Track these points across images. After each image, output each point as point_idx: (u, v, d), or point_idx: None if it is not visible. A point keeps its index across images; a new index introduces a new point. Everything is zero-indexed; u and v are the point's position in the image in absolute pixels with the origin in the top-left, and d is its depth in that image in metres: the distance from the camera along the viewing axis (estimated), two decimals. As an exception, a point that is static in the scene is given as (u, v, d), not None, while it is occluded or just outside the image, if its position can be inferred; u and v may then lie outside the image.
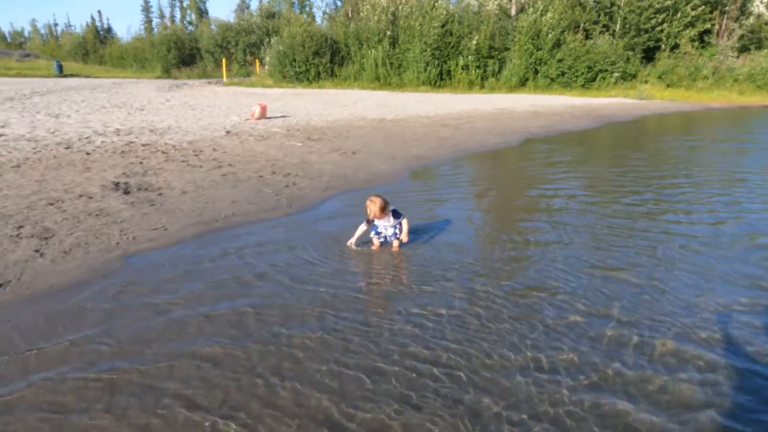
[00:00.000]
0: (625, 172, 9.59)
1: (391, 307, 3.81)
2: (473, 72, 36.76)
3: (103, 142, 10.49)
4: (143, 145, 10.35)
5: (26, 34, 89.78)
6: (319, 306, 3.78)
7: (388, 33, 37.32)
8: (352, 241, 4.93)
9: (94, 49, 62.78)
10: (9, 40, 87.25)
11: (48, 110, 16.09)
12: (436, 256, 4.85)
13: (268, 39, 43.92)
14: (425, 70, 36.44)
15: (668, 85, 36.68)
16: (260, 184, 7.46)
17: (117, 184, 7.02)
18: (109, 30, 73.37)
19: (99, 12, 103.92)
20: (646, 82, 37.42)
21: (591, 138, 15.92)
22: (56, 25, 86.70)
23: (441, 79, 37.26)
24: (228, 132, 12.63)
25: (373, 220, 4.83)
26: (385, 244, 5.06)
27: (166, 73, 51.96)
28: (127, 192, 6.72)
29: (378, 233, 4.99)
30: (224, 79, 43.10)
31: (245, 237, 5.19)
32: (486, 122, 17.22)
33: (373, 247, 5.01)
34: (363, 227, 4.92)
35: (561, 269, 4.54)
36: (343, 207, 6.48)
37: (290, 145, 11.10)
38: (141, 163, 8.59)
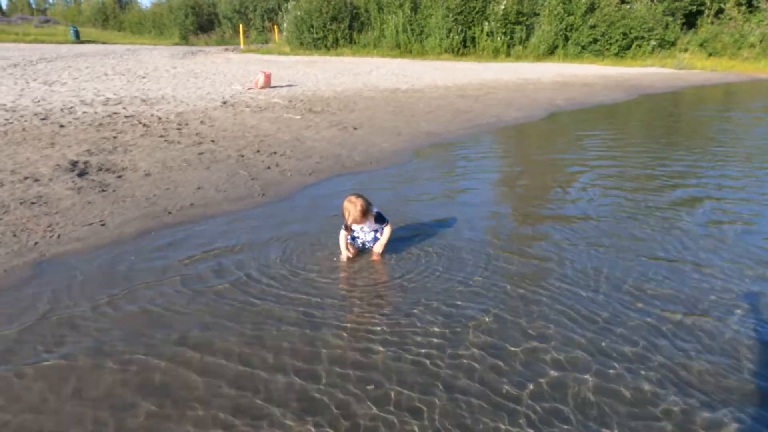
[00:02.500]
0: (660, 155, 8.33)
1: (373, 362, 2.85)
2: (499, 39, 34.69)
3: (84, 113, 9.68)
4: (126, 116, 9.49)
5: (51, 0, 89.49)
6: (262, 347, 2.86)
7: (409, -3, 35.37)
8: (344, 254, 3.97)
9: (114, 15, 61.99)
10: (33, 5, 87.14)
11: (46, 78, 15.39)
12: (429, 268, 3.86)
13: (286, 4, 42.37)
14: (448, 37, 34.55)
15: (710, 54, 34.03)
16: (238, 166, 6.52)
17: (75, 164, 6.17)
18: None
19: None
20: (686, 50, 34.79)
21: (623, 112, 14.45)
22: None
23: (464, 46, 35.33)
24: (224, 102, 11.69)
25: (351, 226, 3.87)
26: (364, 250, 4.09)
27: (184, 40, 50.98)
28: (82, 174, 5.87)
29: (354, 239, 4.02)
30: (241, 46, 41.97)
31: (194, 237, 4.29)
32: (508, 93, 15.84)
33: (349, 254, 4.06)
34: (343, 234, 3.95)
35: (603, 296, 3.52)
36: (324, 197, 5.51)
37: (287, 118, 10.10)
38: (115, 137, 7.74)
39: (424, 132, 9.44)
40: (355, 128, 9.40)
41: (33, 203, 4.83)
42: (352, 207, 3.69)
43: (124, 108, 10.44)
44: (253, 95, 13.21)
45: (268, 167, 6.53)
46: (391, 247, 4.03)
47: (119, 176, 5.89)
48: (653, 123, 12.38)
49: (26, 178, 5.56)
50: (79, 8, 71.06)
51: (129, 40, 48.86)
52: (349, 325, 3.06)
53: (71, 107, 10.22)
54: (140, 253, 3.95)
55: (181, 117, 9.68)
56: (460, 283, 3.60)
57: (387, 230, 3.95)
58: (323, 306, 3.26)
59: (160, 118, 9.48)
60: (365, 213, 3.72)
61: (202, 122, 9.24)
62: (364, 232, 3.95)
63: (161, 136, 7.97)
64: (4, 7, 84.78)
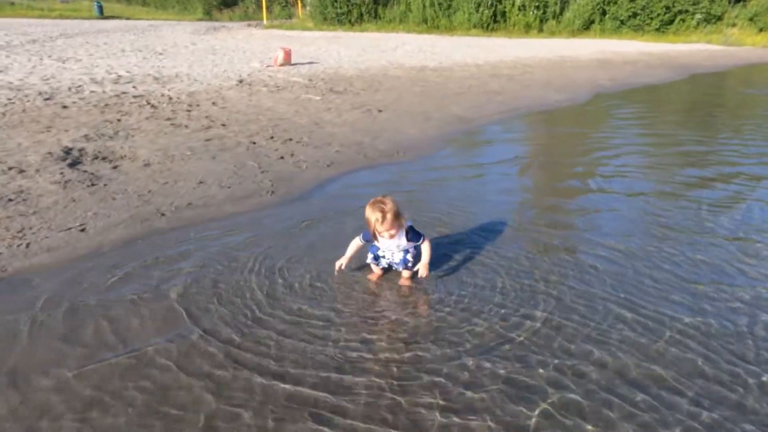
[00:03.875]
0: (725, 145, 7.28)
1: None
2: (531, 13, 32.97)
3: (92, 92, 9.07)
4: (135, 96, 8.85)
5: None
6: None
7: (437, -30, 33.81)
8: (343, 261, 3.23)
9: (138, -10, 61.48)
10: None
11: (61, 54, 14.88)
12: (474, 299, 3.09)
13: (310, -23, 41.12)
14: (477, 11, 32.97)
15: (761, 29, 31.64)
16: (248, 155, 5.79)
17: (68, 152, 5.54)
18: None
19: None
20: (734, 25, 32.45)
21: (675, 94, 13.19)
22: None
23: (494, 21, 33.70)
24: (240, 81, 10.94)
25: (378, 237, 3.11)
26: (390, 271, 3.34)
27: (207, 15, 50.28)
28: (74, 163, 5.23)
29: (377, 257, 3.26)
30: (264, 22, 41.10)
31: (189, 248, 3.58)
32: (545, 72, 14.68)
33: (370, 277, 3.30)
34: (358, 242, 3.20)
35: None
36: (343, 196, 4.74)
37: (306, 99, 9.31)
38: (119, 120, 7.10)
39: (455, 116, 8.54)
40: (379, 111, 8.56)
41: (10, 200, 4.20)
42: (379, 211, 2.91)
43: (134, 87, 9.80)
44: (272, 73, 12.43)
45: (281, 157, 5.78)
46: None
47: (115, 166, 5.23)
48: (711, 106, 11.17)
49: (11, 168, 4.94)
50: (104, -17, 70.76)
51: (152, 15, 48.35)
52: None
53: (80, 86, 9.62)
54: (119, 270, 3.26)
55: (193, 97, 8.98)
56: (515, 321, 2.82)
57: (426, 248, 3.17)
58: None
59: (170, 99, 8.81)
60: (397, 221, 2.95)
61: (214, 103, 8.53)
62: (391, 251, 3.18)
63: (168, 119, 7.28)
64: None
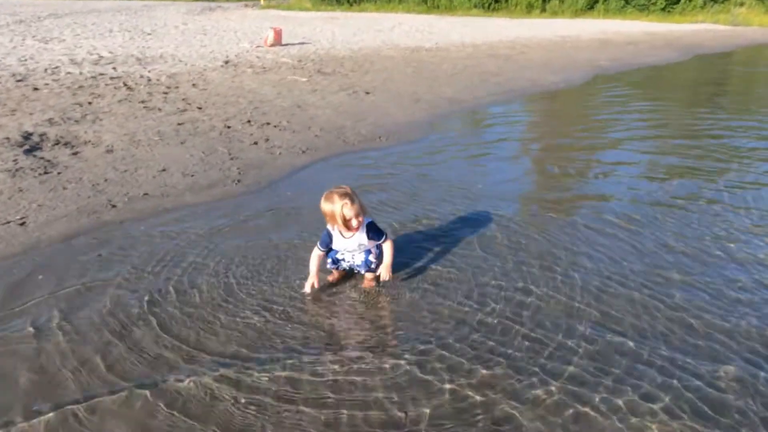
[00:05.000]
0: (728, 127, 6.91)
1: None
2: (534, -8, 32.16)
3: (68, 74, 8.70)
4: (112, 78, 8.48)
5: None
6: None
7: (439, -53, 32.94)
8: (312, 280, 2.83)
9: (134, -31, 60.25)
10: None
11: (46, 35, 14.44)
12: (445, 302, 2.79)
13: (307, -44, 40.14)
14: (479, -10, 32.21)
15: (770, 9, 30.80)
16: (219, 140, 5.46)
17: (28, 137, 5.22)
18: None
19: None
20: (741, 4, 31.59)
21: (676, 75, 12.73)
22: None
23: (496, 1, 32.94)
24: (226, 62, 10.54)
25: (332, 239, 2.80)
26: (351, 274, 3.03)
27: (203, -6, 49.29)
28: (33, 149, 4.91)
29: (337, 261, 2.95)
30: (261, 2, 40.27)
31: (132, 245, 3.27)
32: (544, 53, 14.20)
33: (330, 277, 2.99)
34: (318, 253, 2.87)
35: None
36: (314, 187, 4.37)
37: (292, 80, 8.92)
38: (90, 103, 6.76)
39: (446, 98, 8.16)
40: (367, 93, 8.18)
41: (-48, 190, 3.90)
42: (343, 196, 2.61)
43: (114, 68, 9.41)
44: (261, 54, 12.00)
45: (255, 142, 5.45)
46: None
47: (75, 153, 4.91)
48: (713, 87, 10.73)
49: (-38, 155, 4.63)
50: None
51: (147, -6, 47.40)
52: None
53: (57, 67, 9.25)
54: (50, 270, 2.97)
55: (173, 79, 8.61)
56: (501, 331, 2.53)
57: (388, 248, 2.86)
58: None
59: (149, 80, 8.44)
60: (358, 215, 2.65)
61: (194, 85, 8.16)
62: (351, 253, 2.86)
63: (142, 101, 6.93)
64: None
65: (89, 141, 5.29)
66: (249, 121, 6.22)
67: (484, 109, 7.87)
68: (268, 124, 6.17)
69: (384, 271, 2.84)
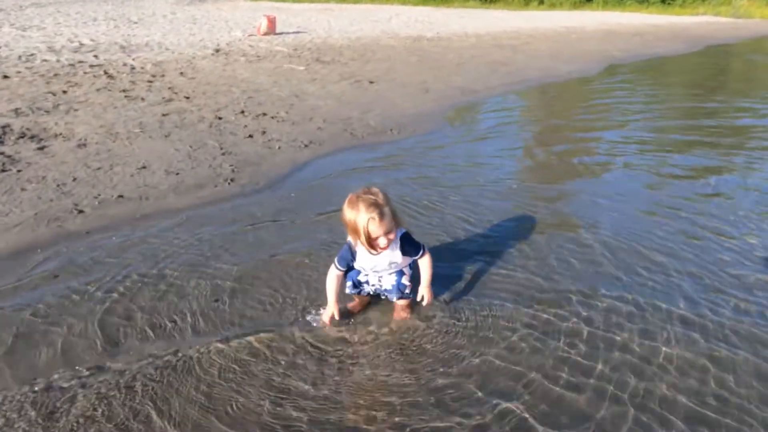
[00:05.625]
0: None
1: None
2: (532, -16, 31.55)
3: (44, 61, 7.96)
4: (92, 66, 7.76)
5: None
6: None
7: (435, -63, 32.22)
8: (331, 311, 2.21)
9: (121, -40, 58.87)
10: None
11: (25, 23, 13.60)
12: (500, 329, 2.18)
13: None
14: (476, -18, 31.54)
15: (771, 1, 30.43)
16: (209, 133, 4.80)
17: (-11, 129, 4.52)
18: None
19: None
20: (742, -3, 31.19)
21: (695, 66, 12.13)
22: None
23: (494, -8, 32.30)
24: (217, 50, 9.82)
25: (354, 256, 2.16)
26: (375, 298, 2.40)
27: (194, -13, 48.14)
28: (-8, 143, 4.23)
29: (359, 284, 2.31)
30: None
31: (104, 262, 2.62)
32: (551, 44, 13.58)
33: (351, 307, 2.35)
34: (336, 273, 2.23)
35: None
36: (323, 185, 3.77)
37: (288, 69, 8.24)
38: (64, 92, 6.05)
39: (457, 88, 7.52)
40: (371, 82, 7.52)
41: None
42: (373, 207, 1.95)
43: (95, 56, 8.68)
44: (253, 43, 11.28)
45: (250, 135, 4.79)
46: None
47: (41, 147, 4.23)
48: (739, 80, 10.17)
49: None
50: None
51: (136, -14, 46.22)
52: None
53: (32, 54, 8.50)
54: None
55: (159, 67, 7.90)
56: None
57: (427, 264, 2.25)
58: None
59: (133, 68, 7.73)
60: (393, 210, 2.02)
61: (181, 73, 7.46)
62: (378, 274, 2.24)
63: (123, 90, 6.24)
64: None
65: (59, 134, 4.61)
66: (243, 112, 5.56)
67: (500, 99, 7.24)
68: (265, 114, 5.51)
69: (425, 292, 2.22)
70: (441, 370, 1.95)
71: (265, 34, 12.61)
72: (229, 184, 3.67)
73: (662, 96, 7.98)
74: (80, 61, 8.08)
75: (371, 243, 2.02)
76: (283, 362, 1.97)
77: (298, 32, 13.60)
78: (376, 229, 1.95)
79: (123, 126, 4.85)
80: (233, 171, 3.90)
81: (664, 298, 2.40)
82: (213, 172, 3.84)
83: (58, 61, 8.08)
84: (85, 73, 7.25)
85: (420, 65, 9.31)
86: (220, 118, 5.28)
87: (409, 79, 7.95)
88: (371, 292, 2.32)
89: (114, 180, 3.63)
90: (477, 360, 1.99)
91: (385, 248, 2.07)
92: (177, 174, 3.76)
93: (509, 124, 6.01)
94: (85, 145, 4.35)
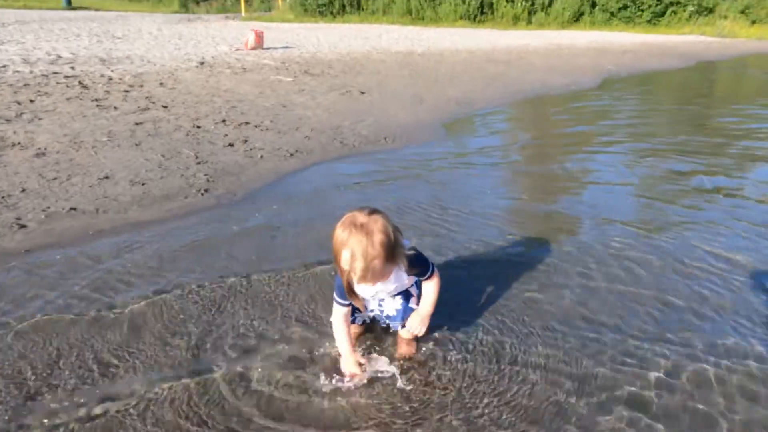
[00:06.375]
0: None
1: None
2: (519, 5, 31.85)
3: (16, 72, 7.52)
4: (66, 77, 7.33)
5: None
6: None
7: (423, -41, 32.63)
8: (351, 360, 1.74)
9: (111, -18, 59.02)
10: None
11: (3, 37, 13.18)
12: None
13: (290, -32, 39.56)
14: (464, 2, 31.78)
15: (754, 21, 30.96)
16: (185, 142, 4.36)
17: (-64, 138, 4.05)
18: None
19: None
20: (725, 17, 31.73)
21: (692, 79, 11.96)
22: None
23: (482, 13, 32.55)
24: (201, 63, 9.45)
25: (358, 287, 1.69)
26: (371, 323, 1.94)
27: (183, 8, 48.16)
28: (-64, 152, 3.75)
29: (353, 310, 1.84)
30: (242, 14, 39.42)
31: (39, 290, 2.16)
32: (544, 59, 13.42)
33: (359, 368, 1.87)
34: (342, 312, 1.76)
35: None
36: (313, 196, 3.34)
37: (276, 80, 7.87)
38: (31, 101, 5.60)
39: (452, 99, 7.18)
40: (362, 93, 7.16)
41: None
42: (361, 243, 1.48)
43: (72, 68, 8.25)
44: (240, 56, 10.94)
45: (230, 144, 4.36)
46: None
47: (-8, 158, 3.76)
48: (739, 89, 9.98)
49: None
50: (76, -25, 68.03)
51: (125, 7, 46.03)
52: None
53: (4, 66, 8.05)
54: None
55: (139, 78, 7.48)
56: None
57: (433, 287, 1.81)
58: None
59: (110, 79, 7.30)
60: (391, 256, 1.56)
61: (161, 84, 7.05)
62: (378, 300, 1.80)
63: (95, 99, 5.80)
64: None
65: (17, 143, 4.14)
66: (224, 121, 5.14)
67: (498, 110, 6.89)
68: (247, 123, 5.10)
69: (417, 322, 1.77)
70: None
71: (253, 48, 12.30)
72: (202, 195, 3.23)
73: (667, 107, 7.70)
74: (54, 72, 7.66)
75: (350, 293, 1.60)
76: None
77: (286, 47, 13.32)
78: (356, 276, 1.52)
79: (90, 135, 4.40)
80: (208, 181, 3.45)
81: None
82: (185, 183, 3.39)
83: (30, 72, 7.65)
84: (57, 83, 6.81)
85: (412, 78, 9.00)
86: (198, 127, 4.85)
87: (402, 90, 7.61)
88: (368, 320, 1.87)
89: (69, 191, 3.17)
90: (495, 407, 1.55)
91: (378, 282, 1.64)
92: (143, 184, 3.31)
93: (507, 134, 5.64)
94: (44, 154, 3.89)
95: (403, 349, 1.84)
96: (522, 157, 4.73)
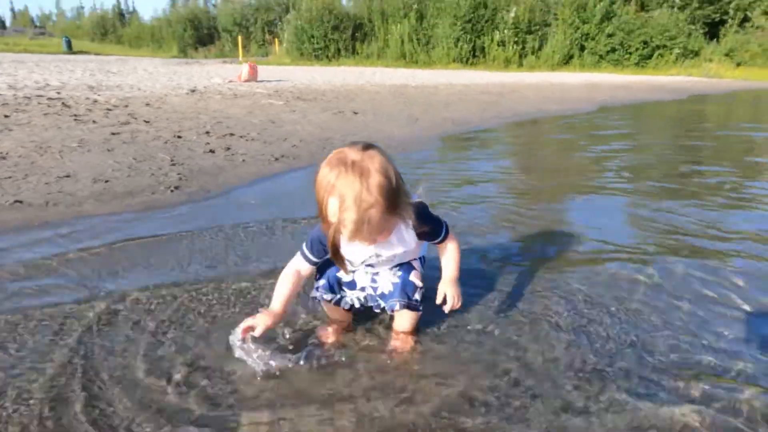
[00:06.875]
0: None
1: None
2: (511, 48, 32.68)
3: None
4: (50, 99, 7.09)
5: (54, 18, 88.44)
6: None
7: (415, 7, 33.71)
8: (257, 323, 1.33)
9: (113, 29, 60.63)
10: (38, 23, 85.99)
11: (-4, 71, 13.12)
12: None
13: (287, 16, 40.82)
14: (456, 46, 32.60)
15: (738, 64, 31.82)
16: (162, 148, 4.05)
17: None
18: (133, 13, 70.85)
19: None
20: (710, 60, 32.62)
21: (685, 109, 11.91)
22: (82, 8, 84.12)
23: (474, 56, 33.36)
24: (192, 90, 9.30)
25: (344, 247, 1.32)
26: (361, 310, 1.56)
27: (182, 53, 49.35)
28: None
29: (338, 285, 1.47)
30: (240, 59, 40.26)
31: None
32: (537, 92, 13.46)
33: (321, 336, 1.50)
34: (300, 267, 1.41)
35: None
36: (298, 191, 2.99)
37: (266, 104, 7.67)
38: (6, 116, 5.32)
39: (448, 119, 6.98)
40: (355, 113, 6.95)
41: None
42: (353, 186, 1.13)
43: (57, 93, 8.05)
44: (233, 87, 10.84)
45: (211, 150, 4.04)
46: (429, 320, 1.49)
47: (-53, 159, 3.42)
48: (737, 116, 9.89)
49: None
50: (78, 23, 69.95)
51: (125, 52, 47.07)
52: None
53: (-12, 90, 7.84)
54: None
55: (125, 101, 7.26)
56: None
57: (454, 249, 1.47)
58: None
59: (95, 101, 7.07)
60: (392, 205, 1.19)
61: (147, 104, 6.82)
62: (372, 274, 1.45)
63: (74, 115, 5.53)
64: (8, 24, 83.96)
65: (-21, 149, 3.81)
66: (207, 133, 4.85)
67: (493, 129, 6.67)
68: (232, 135, 4.81)
69: (450, 290, 1.41)
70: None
71: (246, 80, 12.25)
72: (171, 191, 2.88)
73: (663, 130, 7.52)
74: (39, 95, 7.44)
75: (335, 255, 1.25)
76: None
77: (280, 80, 13.32)
78: (348, 238, 1.18)
79: (59, 143, 4.08)
80: (181, 179, 3.11)
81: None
82: (154, 180, 3.05)
83: (14, 95, 7.42)
84: (39, 103, 6.56)
85: (407, 105, 8.85)
86: (179, 137, 4.55)
87: (397, 113, 7.41)
88: (357, 304, 1.48)
89: (21, 188, 2.81)
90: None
91: (372, 243, 1.28)
92: (106, 182, 2.96)
93: (504, 146, 5.37)
94: (4, 158, 3.55)
95: (400, 344, 1.44)
96: (514, 166, 4.43)
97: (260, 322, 1.31)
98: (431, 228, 1.38)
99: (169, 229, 2.26)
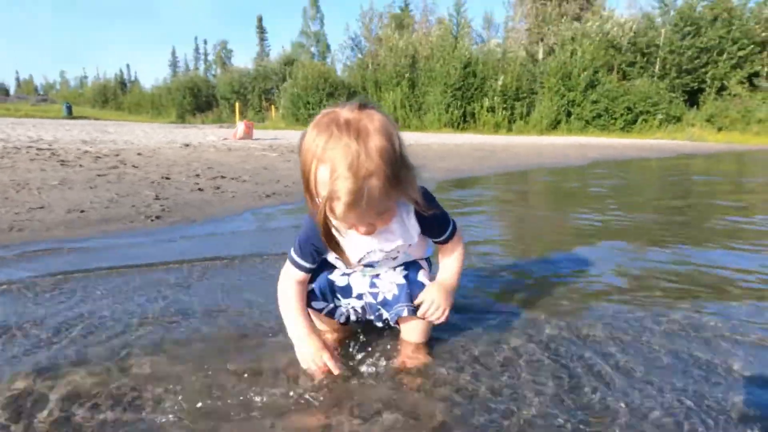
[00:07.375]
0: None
1: None
2: (500, 114, 33.81)
3: (-13, 146, 7.20)
4: (40, 149, 7.00)
5: (58, 87, 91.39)
6: None
7: (407, 75, 35.20)
8: (314, 351, 1.11)
9: (114, 96, 62.52)
10: (41, 92, 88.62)
11: (-9, 129, 13.20)
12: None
13: (283, 84, 42.41)
14: (447, 112, 33.71)
15: (720, 129, 32.96)
16: (148, 186, 3.88)
17: None
18: (134, 81, 73.43)
19: (127, 66, 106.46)
20: (693, 125, 33.81)
21: (677, 164, 12.03)
22: (86, 77, 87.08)
23: (464, 121, 34.41)
24: (186, 145, 9.29)
25: (332, 239, 1.09)
26: (359, 323, 1.33)
27: (181, 119, 50.63)
28: None
29: (331, 292, 1.25)
30: (236, 124, 41.20)
31: None
32: (529, 149, 13.67)
33: (333, 364, 1.23)
34: (297, 279, 1.19)
35: None
36: (288, 225, 2.79)
37: (261, 155, 7.63)
38: (-10, 162, 5.17)
39: (443, 168, 6.93)
40: (349, 163, 6.89)
41: None
42: (349, 149, 0.94)
43: (49, 145, 7.99)
44: (228, 144, 10.90)
45: (199, 188, 3.88)
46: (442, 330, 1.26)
47: None
48: (729, 168, 9.97)
49: None
50: (80, 91, 72.16)
51: (124, 118, 48.19)
52: None
53: (-21, 143, 7.77)
54: None
55: (116, 152, 7.19)
56: None
57: (459, 250, 1.26)
58: None
59: (86, 152, 6.99)
60: (395, 176, 1.01)
61: (138, 153, 6.74)
62: (371, 277, 1.23)
63: (61, 161, 5.40)
64: (12, 91, 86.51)
65: (-47, 186, 3.62)
66: (197, 175, 4.71)
67: (488, 177, 6.60)
68: (223, 177, 4.67)
69: (437, 297, 1.18)
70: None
71: (241, 138, 12.36)
72: (152, 221, 2.67)
73: (658, 177, 7.50)
74: (29, 146, 7.36)
75: (329, 239, 1.04)
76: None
77: (275, 138, 13.46)
78: (342, 214, 0.98)
79: (40, 182, 3.91)
80: (163, 210, 2.91)
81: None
82: (134, 211, 2.85)
83: (4, 147, 7.34)
84: (28, 152, 6.47)
85: (401, 157, 8.87)
86: (167, 179, 4.39)
87: (390, 164, 7.37)
88: (354, 316, 1.25)
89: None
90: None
91: (370, 232, 1.09)
92: (81, 212, 2.75)
93: (498, 191, 5.26)
94: (-20, 193, 3.35)
95: (411, 358, 1.20)
96: (506, 210, 4.29)
97: (316, 359, 1.10)
98: (437, 219, 1.19)
99: (153, 249, 2.04)
